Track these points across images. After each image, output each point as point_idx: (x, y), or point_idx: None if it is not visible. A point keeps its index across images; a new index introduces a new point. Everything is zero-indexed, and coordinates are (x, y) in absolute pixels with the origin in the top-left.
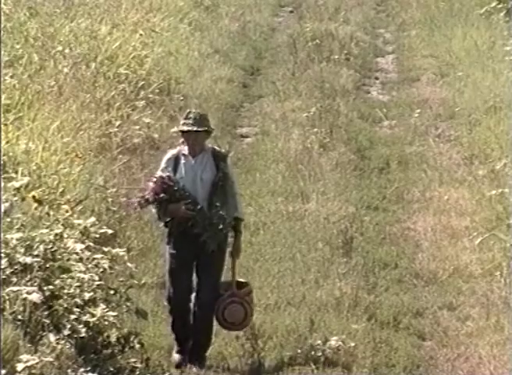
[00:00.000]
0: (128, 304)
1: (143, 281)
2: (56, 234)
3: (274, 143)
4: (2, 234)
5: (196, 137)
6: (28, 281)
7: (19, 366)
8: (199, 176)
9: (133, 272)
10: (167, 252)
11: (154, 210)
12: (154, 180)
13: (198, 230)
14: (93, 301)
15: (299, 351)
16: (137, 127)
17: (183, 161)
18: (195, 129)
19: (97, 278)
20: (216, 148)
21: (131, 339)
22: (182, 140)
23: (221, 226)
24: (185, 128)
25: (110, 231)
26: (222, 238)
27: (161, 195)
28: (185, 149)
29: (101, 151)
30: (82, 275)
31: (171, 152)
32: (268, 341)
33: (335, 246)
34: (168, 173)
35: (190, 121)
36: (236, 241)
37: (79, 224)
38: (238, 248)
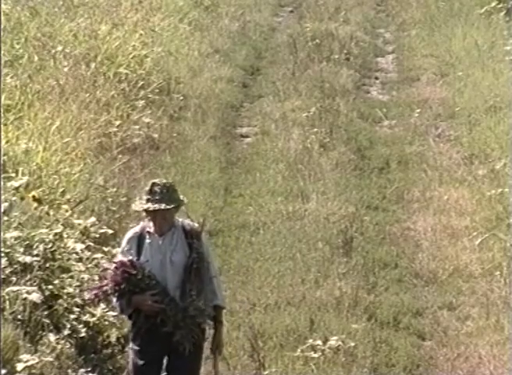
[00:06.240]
0: None
1: None
2: (56, 234)
3: (274, 143)
4: (2, 233)
5: (164, 215)
6: (28, 281)
7: (19, 366)
8: (168, 259)
9: None
10: (131, 349)
11: (115, 302)
12: (114, 265)
13: (169, 327)
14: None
15: (299, 351)
16: (137, 127)
17: (148, 240)
18: (163, 207)
19: (97, 278)
20: (187, 222)
21: None
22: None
23: (199, 321)
24: (151, 207)
25: (110, 231)
26: (198, 334)
27: (123, 286)
28: (150, 226)
29: (101, 151)
30: (82, 275)
31: (133, 230)
32: (268, 340)
33: (335, 246)
34: (130, 258)
35: (157, 197)
36: (216, 334)
37: (79, 224)
38: (220, 342)
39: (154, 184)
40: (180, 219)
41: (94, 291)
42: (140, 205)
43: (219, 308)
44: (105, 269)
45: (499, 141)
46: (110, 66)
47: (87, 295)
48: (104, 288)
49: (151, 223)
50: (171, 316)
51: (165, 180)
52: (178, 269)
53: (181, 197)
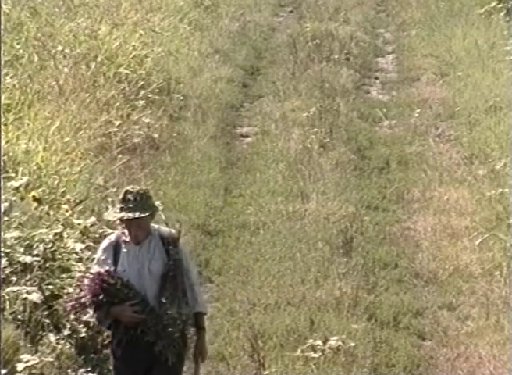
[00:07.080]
0: None
1: None
2: (56, 234)
3: (274, 143)
4: (2, 233)
5: (139, 224)
6: (28, 281)
7: (20, 366)
8: (146, 268)
9: None
10: (111, 362)
11: (93, 314)
12: (91, 277)
13: (151, 337)
14: None
15: (299, 351)
16: (137, 127)
17: (124, 249)
18: (137, 215)
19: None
20: (164, 229)
21: None
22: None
23: (173, 330)
24: (125, 216)
25: (110, 231)
26: (181, 344)
27: (101, 297)
28: (126, 234)
29: (101, 151)
30: None
31: (108, 239)
32: (268, 341)
33: (335, 246)
34: (107, 268)
35: (130, 205)
36: (199, 341)
37: (79, 224)
38: (203, 349)
39: (127, 192)
40: (157, 226)
41: (71, 303)
42: (113, 214)
43: (201, 315)
44: (82, 280)
45: (499, 141)
46: (110, 66)
47: (66, 307)
48: (82, 300)
49: (127, 232)
50: (151, 326)
51: (138, 187)
52: (156, 278)
53: (156, 203)
